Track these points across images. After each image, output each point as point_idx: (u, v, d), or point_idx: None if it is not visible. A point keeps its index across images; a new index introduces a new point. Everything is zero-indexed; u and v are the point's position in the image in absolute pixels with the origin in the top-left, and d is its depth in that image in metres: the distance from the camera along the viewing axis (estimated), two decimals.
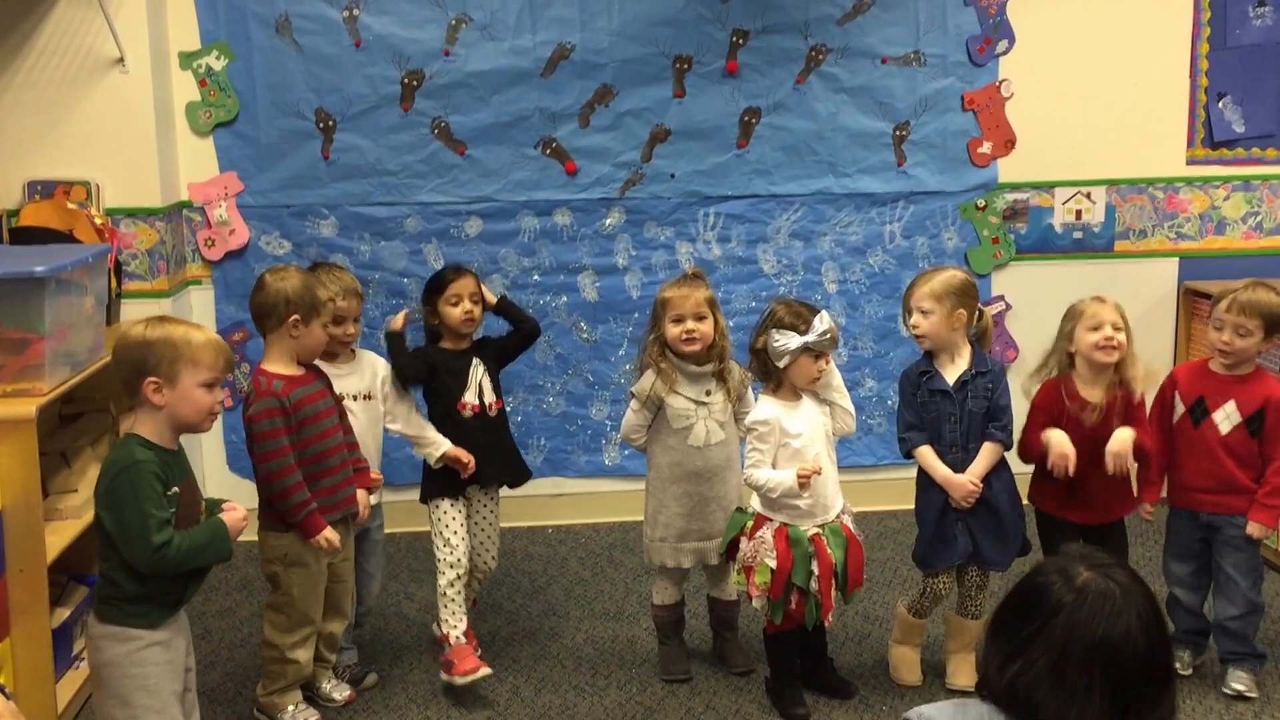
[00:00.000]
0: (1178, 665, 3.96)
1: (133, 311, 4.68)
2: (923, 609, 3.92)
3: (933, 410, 3.80)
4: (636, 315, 5.19)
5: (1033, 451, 3.86)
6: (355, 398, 3.89)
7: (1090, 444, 3.76)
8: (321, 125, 5.04)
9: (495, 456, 4.02)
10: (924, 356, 3.87)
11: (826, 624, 3.69)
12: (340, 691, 3.82)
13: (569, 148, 5.14)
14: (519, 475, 4.13)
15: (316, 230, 5.10)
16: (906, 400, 3.86)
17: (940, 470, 3.78)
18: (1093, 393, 3.79)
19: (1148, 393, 3.89)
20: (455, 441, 3.92)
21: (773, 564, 3.56)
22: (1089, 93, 5.28)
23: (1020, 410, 3.84)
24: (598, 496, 5.36)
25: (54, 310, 3.59)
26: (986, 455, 3.77)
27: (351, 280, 3.89)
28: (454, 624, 3.91)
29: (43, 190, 4.65)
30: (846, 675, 3.92)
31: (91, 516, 3.84)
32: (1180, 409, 3.91)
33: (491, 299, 4.05)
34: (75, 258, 3.78)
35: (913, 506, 3.90)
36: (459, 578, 3.92)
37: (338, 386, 3.77)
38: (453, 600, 3.91)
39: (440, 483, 3.97)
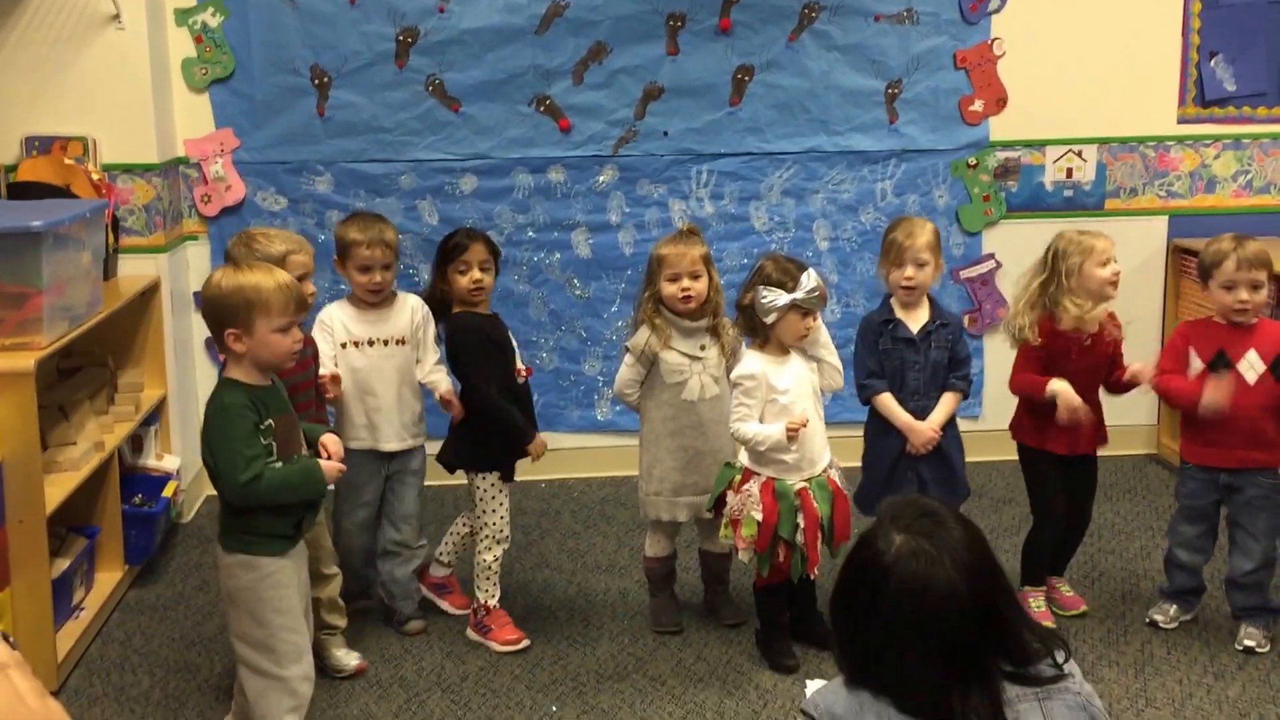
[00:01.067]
0: (1160, 619, 4.03)
1: (130, 267, 4.73)
2: None
3: (896, 358, 3.87)
4: (629, 272, 5.23)
5: (1030, 390, 3.91)
6: (386, 343, 3.94)
7: (1075, 376, 3.84)
8: (317, 82, 5.06)
9: (531, 420, 4.05)
10: (884, 305, 3.94)
11: (813, 577, 3.75)
12: (351, 659, 3.80)
13: (563, 105, 5.16)
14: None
15: (312, 187, 5.13)
16: (868, 348, 3.92)
17: (902, 416, 3.86)
18: (1076, 325, 3.86)
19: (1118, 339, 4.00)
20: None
21: (759, 517, 3.62)
22: (1081, 51, 5.30)
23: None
24: (590, 451, 5.41)
25: (51, 265, 3.63)
26: (947, 404, 3.86)
27: (381, 230, 3.91)
28: (493, 593, 3.99)
29: (40, 146, 4.67)
30: None
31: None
32: (1198, 365, 3.90)
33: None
34: (72, 213, 3.82)
35: None
36: (504, 553, 4.01)
37: (370, 332, 3.92)
38: (495, 573, 3.99)
39: (493, 458, 3.96)
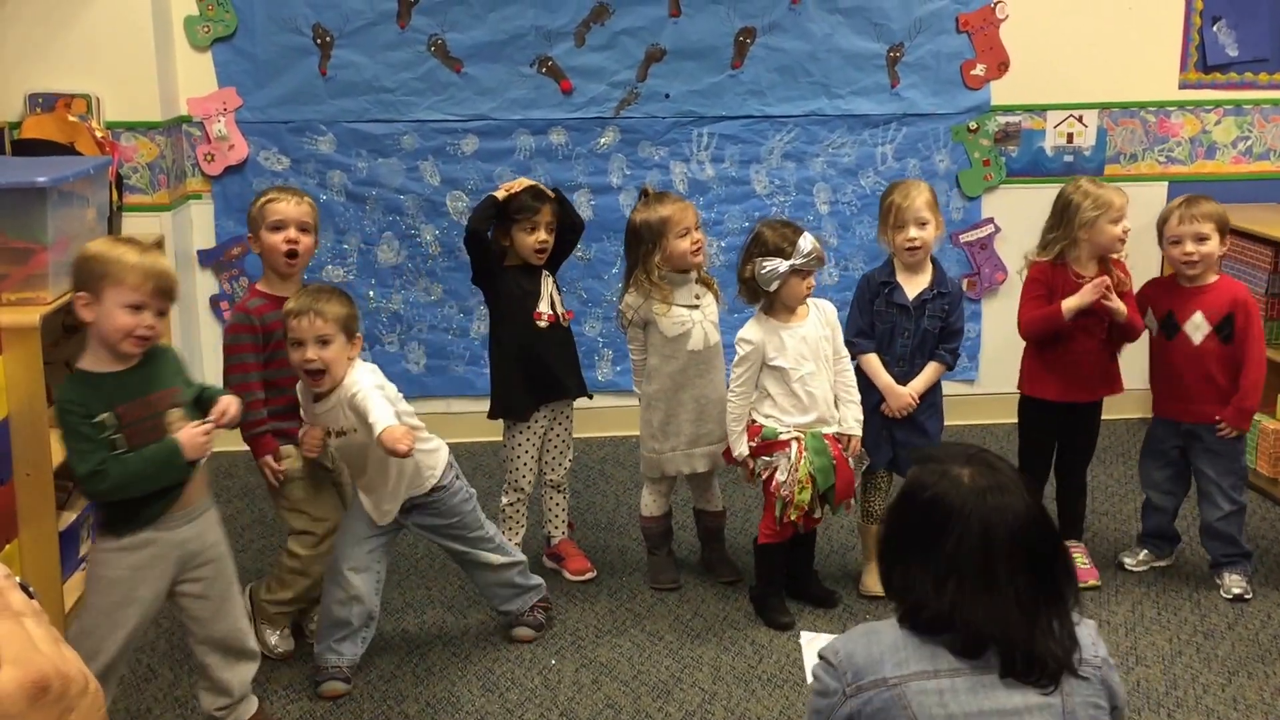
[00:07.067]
0: (1129, 561, 4.16)
1: (134, 225, 4.74)
2: (868, 507, 4.04)
3: (888, 321, 3.90)
4: None
5: (1044, 324, 3.94)
6: (343, 433, 3.42)
7: (1082, 319, 3.89)
8: (319, 41, 5.06)
9: (572, 367, 4.11)
10: (885, 265, 3.96)
11: (796, 523, 3.74)
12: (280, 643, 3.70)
13: (565, 66, 5.16)
14: (584, 388, 4.22)
15: (314, 146, 5.14)
16: (862, 306, 3.96)
17: (884, 378, 3.90)
18: (1089, 274, 3.93)
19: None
20: (532, 351, 3.98)
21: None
22: (1083, 15, 5.29)
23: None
24: (590, 412, 5.41)
25: (56, 221, 3.65)
26: (930, 373, 3.90)
27: (315, 300, 3.33)
28: (511, 538, 4.09)
29: (43, 103, 4.68)
30: (831, 585, 4.04)
31: None
32: (1155, 325, 4.03)
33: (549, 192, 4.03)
34: (77, 169, 3.84)
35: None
36: (521, 499, 4.11)
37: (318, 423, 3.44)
38: (510, 518, 4.12)
39: (518, 403, 4.04)
